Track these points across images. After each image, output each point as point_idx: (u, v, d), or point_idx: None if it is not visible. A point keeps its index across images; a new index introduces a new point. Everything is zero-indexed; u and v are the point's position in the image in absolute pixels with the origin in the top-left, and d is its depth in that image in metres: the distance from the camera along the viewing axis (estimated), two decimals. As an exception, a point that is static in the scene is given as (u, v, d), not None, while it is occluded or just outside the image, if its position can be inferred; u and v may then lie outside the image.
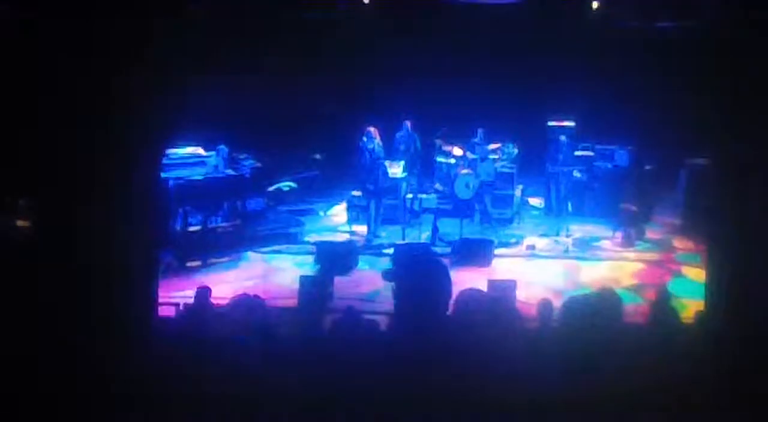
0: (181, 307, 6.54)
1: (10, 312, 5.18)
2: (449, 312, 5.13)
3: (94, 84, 5.33)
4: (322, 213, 11.47)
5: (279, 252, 9.86)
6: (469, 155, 10.98)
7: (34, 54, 5.46)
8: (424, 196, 10.64)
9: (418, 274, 5.02)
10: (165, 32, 5.53)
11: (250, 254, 9.72)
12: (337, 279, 8.32)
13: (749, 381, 4.69)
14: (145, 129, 5.58)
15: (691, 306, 6.55)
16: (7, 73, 5.52)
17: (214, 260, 9.36)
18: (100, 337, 5.14)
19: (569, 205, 11.07)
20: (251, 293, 6.39)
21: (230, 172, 10.19)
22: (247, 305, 5.80)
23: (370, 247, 9.99)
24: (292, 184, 11.62)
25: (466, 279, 8.31)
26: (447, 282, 4.99)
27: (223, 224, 9.86)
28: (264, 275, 9.15)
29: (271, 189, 11.21)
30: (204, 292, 6.12)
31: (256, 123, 11.21)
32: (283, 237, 10.19)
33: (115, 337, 5.14)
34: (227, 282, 8.68)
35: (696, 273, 8.27)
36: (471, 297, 5.40)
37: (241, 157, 10.72)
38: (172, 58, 5.58)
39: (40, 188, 5.64)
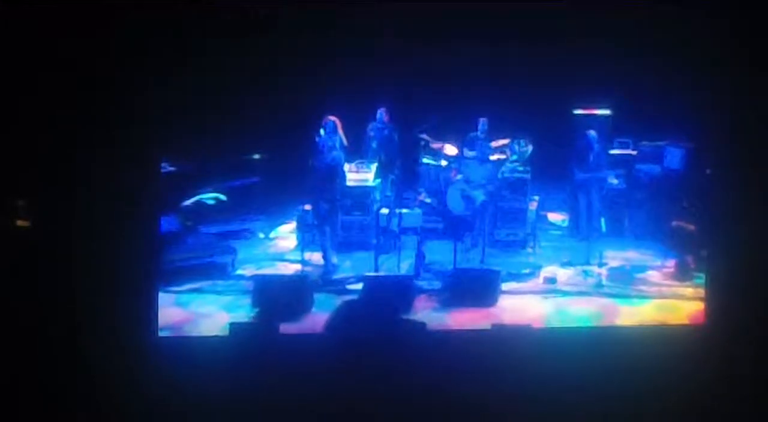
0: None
1: (10, 312, 7.09)
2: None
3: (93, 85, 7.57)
4: (262, 236, 11.50)
5: (200, 291, 9.84)
6: (468, 154, 11.06)
7: (34, 55, 7.40)
8: (404, 210, 10.69)
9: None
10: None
11: (159, 294, 9.65)
12: (282, 326, 8.37)
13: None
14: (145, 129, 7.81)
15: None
16: (7, 75, 7.56)
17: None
18: (100, 338, 6.79)
19: (603, 222, 11.18)
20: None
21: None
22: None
23: (330, 282, 9.99)
24: (220, 196, 11.59)
25: (463, 323, 8.38)
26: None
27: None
28: (179, 323, 9.08)
29: (189, 202, 11.17)
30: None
31: (168, 110, 11.12)
32: (207, 269, 10.19)
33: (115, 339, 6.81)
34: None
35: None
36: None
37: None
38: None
39: (40, 188, 7.76)
